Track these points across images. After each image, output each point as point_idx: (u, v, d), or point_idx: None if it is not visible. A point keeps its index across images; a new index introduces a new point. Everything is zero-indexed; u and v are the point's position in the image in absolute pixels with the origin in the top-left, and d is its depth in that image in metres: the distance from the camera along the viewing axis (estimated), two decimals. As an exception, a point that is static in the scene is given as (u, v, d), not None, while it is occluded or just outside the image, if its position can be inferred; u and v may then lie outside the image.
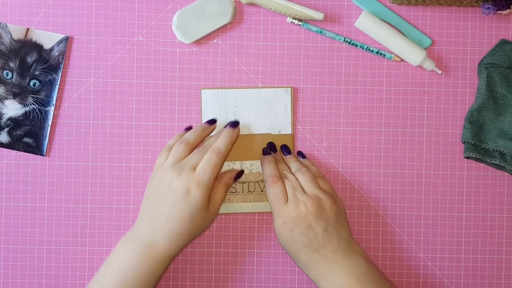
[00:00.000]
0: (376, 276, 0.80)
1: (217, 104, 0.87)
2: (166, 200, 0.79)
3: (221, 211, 0.87)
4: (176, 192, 0.78)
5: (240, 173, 0.86)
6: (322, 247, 0.80)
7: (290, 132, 0.87)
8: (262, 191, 0.87)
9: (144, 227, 0.79)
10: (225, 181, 0.84)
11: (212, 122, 0.86)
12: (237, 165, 0.87)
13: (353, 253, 0.81)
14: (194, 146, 0.83)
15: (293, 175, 0.84)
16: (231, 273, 0.88)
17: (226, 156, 0.83)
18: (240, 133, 0.87)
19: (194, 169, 0.80)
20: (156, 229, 0.79)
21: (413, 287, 0.87)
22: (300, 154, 0.87)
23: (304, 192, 0.82)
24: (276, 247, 0.88)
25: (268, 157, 0.86)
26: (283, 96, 0.87)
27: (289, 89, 0.87)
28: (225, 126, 0.85)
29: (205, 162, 0.80)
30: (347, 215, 0.85)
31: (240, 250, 0.88)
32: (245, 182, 0.87)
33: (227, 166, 0.87)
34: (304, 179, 0.83)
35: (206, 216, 0.81)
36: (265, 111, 0.87)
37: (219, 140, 0.82)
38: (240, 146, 0.87)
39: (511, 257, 0.87)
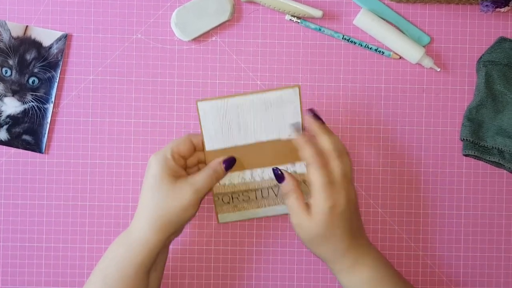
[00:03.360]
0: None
1: (217, 116, 0.79)
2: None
3: (235, 218, 0.84)
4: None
5: (232, 159, 0.79)
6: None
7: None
8: (276, 196, 0.83)
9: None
10: (212, 166, 0.78)
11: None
12: (247, 173, 0.82)
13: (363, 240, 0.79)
14: None
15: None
16: (230, 271, 0.87)
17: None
18: (247, 143, 0.81)
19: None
20: (134, 218, 0.77)
21: (412, 285, 0.87)
22: (317, 116, 0.78)
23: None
24: (275, 245, 0.87)
25: (306, 137, 0.77)
26: (290, 97, 0.79)
27: (297, 88, 0.78)
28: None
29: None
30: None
31: (239, 248, 0.88)
32: (258, 189, 0.83)
33: (237, 176, 0.82)
34: (340, 171, 0.75)
35: (172, 192, 0.74)
36: (272, 116, 0.79)
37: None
38: (248, 155, 0.81)
39: (510, 256, 0.87)
